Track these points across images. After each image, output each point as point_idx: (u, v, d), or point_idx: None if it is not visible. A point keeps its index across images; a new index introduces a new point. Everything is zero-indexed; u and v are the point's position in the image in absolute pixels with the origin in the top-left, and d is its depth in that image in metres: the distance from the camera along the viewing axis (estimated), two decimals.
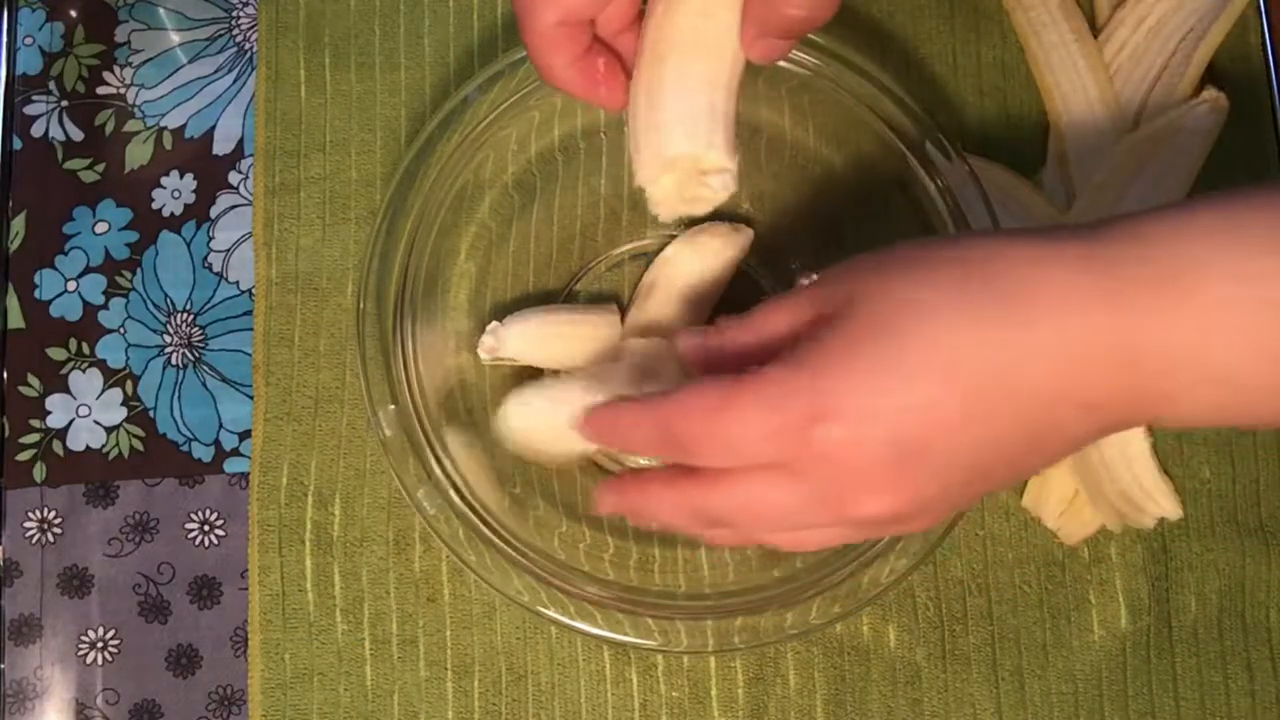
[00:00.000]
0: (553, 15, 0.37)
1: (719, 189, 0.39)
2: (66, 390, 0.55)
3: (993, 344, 0.31)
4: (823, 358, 0.32)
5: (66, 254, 0.56)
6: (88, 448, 0.54)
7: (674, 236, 0.53)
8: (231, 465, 0.54)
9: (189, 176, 0.56)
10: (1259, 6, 0.57)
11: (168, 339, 0.55)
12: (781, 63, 0.46)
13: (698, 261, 0.52)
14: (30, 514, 0.53)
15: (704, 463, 0.34)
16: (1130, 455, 0.49)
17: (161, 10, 0.58)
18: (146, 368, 0.55)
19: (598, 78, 0.39)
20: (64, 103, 0.57)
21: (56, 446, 0.54)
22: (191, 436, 0.54)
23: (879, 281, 0.32)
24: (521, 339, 0.50)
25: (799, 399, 0.31)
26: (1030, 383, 0.31)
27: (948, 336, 0.31)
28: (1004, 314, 0.31)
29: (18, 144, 0.57)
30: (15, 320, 0.55)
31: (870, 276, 0.33)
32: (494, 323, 0.50)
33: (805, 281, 0.34)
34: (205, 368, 0.55)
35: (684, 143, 0.38)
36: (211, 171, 0.56)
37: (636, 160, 0.39)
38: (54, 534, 0.53)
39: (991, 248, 0.32)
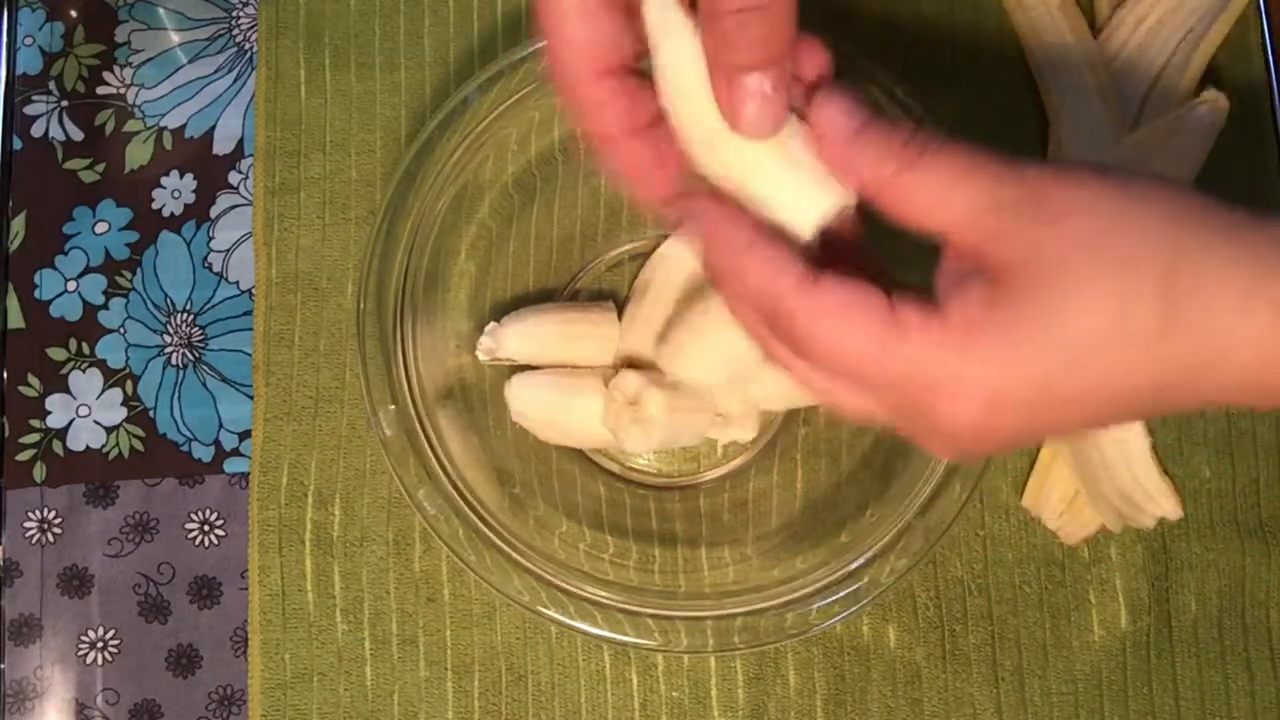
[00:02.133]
0: (576, 73, 0.32)
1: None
2: (66, 390, 0.55)
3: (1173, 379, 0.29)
4: (974, 332, 0.29)
5: (66, 254, 0.56)
6: (88, 448, 0.54)
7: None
8: (231, 465, 0.54)
9: (189, 176, 0.56)
10: (1259, 6, 0.57)
11: (168, 339, 0.55)
12: None
13: (694, 259, 0.52)
14: (30, 514, 0.53)
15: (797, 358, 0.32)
16: (1130, 455, 0.49)
17: (161, 10, 0.58)
18: (146, 368, 0.55)
19: (653, 163, 0.34)
20: (64, 103, 0.57)
21: (56, 446, 0.54)
22: (191, 436, 0.54)
23: (1060, 261, 0.28)
24: (519, 339, 0.50)
25: (931, 366, 0.29)
26: (1204, 396, 0.29)
27: (1126, 362, 0.28)
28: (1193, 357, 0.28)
29: (18, 144, 0.57)
30: (15, 320, 0.55)
31: (1053, 245, 0.28)
32: (492, 323, 0.50)
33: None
34: (205, 368, 0.55)
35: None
36: (211, 171, 0.56)
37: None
38: (54, 534, 0.53)
39: (1200, 265, 0.28)
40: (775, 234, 0.32)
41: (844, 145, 0.31)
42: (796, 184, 0.32)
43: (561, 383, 0.50)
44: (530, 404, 0.50)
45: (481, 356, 0.50)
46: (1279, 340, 0.28)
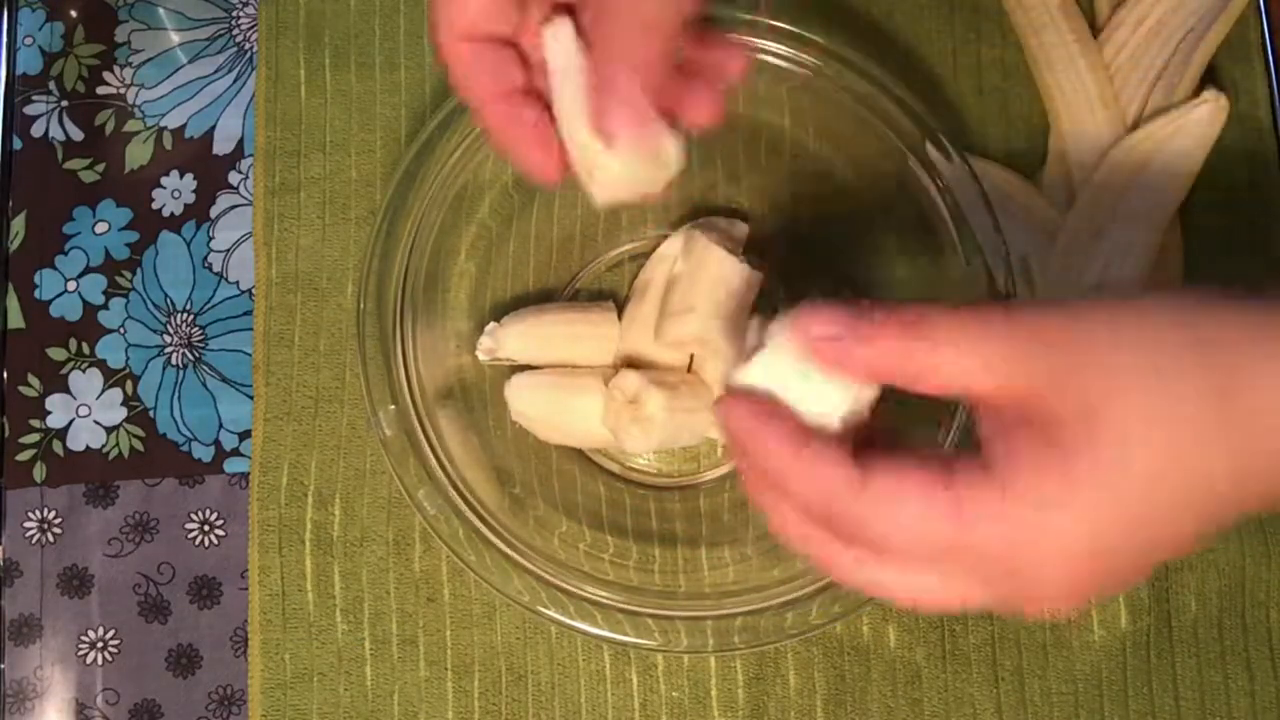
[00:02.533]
0: (449, 30, 0.32)
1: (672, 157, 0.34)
2: (66, 390, 0.55)
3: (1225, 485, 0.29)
4: (1026, 489, 0.29)
5: (66, 254, 0.56)
6: (88, 448, 0.54)
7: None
8: (231, 465, 0.54)
9: (189, 176, 0.56)
10: (1259, 6, 0.57)
11: (168, 339, 0.55)
12: (781, 62, 0.46)
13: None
14: (30, 514, 0.53)
15: (854, 541, 0.30)
16: None
17: (161, 10, 0.58)
18: (146, 368, 0.55)
19: (523, 130, 0.33)
20: (64, 103, 0.57)
21: (56, 446, 0.54)
22: (191, 436, 0.54)
23: (1108, 410, 0.28)
24: (519, 339, 0.50)
25: (1006, 530, 0.29)
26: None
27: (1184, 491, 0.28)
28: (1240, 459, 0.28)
29: (18, 144, 0.57)
30: (15, 320, 0.55)
31: (1099, 392, 0.28)
32: (492, 323, 0.50)
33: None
34: (205, 368, 0.55)
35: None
36: (211, 171, 0.56)
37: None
38: (54, 534, 0.53)
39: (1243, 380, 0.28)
40: (809, 432, 0.30)
41: (837, 354, 0.29)
42: (811, 391, 0.31)
43: (561, 383, 0.50)
44: (530, 404, 0.50)
45: (481, 356, 0.50)
46: None
